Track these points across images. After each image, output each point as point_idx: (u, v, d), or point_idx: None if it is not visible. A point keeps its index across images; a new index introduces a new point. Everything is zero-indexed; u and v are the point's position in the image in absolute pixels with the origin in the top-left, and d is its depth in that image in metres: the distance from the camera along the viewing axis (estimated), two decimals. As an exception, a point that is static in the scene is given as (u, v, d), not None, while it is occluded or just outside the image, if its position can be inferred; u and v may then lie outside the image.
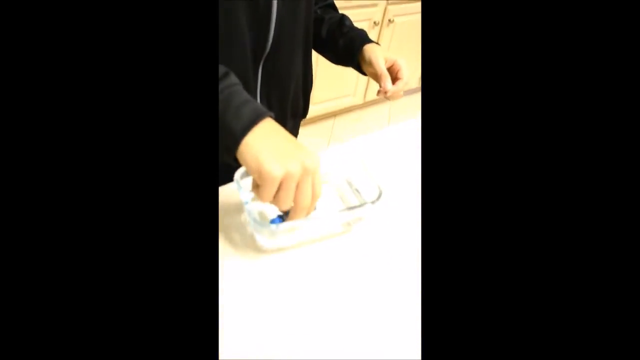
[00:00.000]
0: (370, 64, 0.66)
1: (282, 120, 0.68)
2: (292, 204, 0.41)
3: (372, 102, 2.40)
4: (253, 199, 0.55)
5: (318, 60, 1.83)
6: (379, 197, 0.50)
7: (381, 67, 0.65)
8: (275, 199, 0.40)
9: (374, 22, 1.98)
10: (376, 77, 0.66)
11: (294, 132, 0.80)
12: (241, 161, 0.41)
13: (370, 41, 0.69)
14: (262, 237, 0.49)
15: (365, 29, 1.95)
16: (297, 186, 0.40)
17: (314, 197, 0.42)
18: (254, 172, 0.39)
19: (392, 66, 0.67)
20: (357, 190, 0.57)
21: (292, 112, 0.70)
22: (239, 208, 0.54)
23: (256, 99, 0.61)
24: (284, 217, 0.48)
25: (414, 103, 2.55)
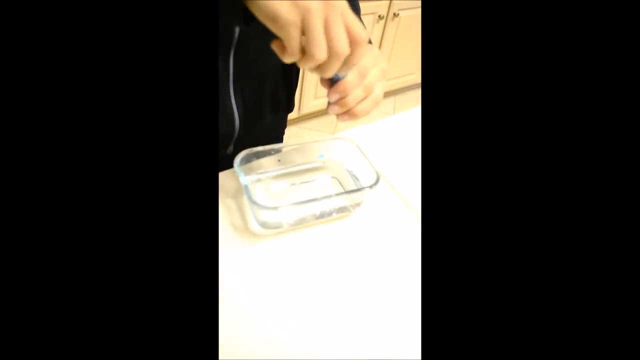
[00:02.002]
0: None
1: (259, 113, 0.66)
2: (327, 53, 0.34)
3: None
4: (253, 183, 0.56)
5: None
6: (377, 182, 0.51)
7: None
8: (306, 49, 0.34)
9: (379, 16, 1.98)
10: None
11: (278, 127, 0.78)
12: (256, 15, 0.34)
13: None
14: (258, 221, 0.50)
15: (370, 23, 1.96)
16: (326, 25, 0.33)
17: (351, 39, 0.34)
18: (269, 20, 0.33)
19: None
20: (355, 176, 0.58)
21: (271, 106, 0.67)
22: (239, 192, 0.55)
23: (229, 91, 0.59)
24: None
25: (419, 98, 2.55)
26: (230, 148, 0.67)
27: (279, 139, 0.80)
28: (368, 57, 0.44)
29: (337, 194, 0.50)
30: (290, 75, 0.69)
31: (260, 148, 0.54)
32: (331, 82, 0.45)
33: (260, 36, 0.57)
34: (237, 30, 0.54)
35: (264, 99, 0.65)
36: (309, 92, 1.96)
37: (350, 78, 0.43)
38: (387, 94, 2.46)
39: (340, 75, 0.43)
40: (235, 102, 0.61)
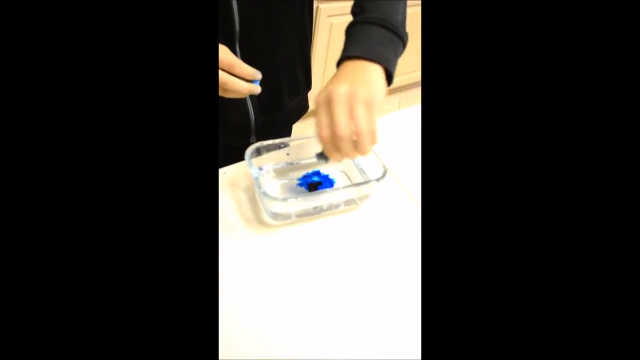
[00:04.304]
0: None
1: (277, 97, 0.67)
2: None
3: (382, 94, 2.40)
4: (263, 175, 0.58)
5: (329, 49, 1.85)
6: (384, 175, 0.53)
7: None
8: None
9: (384, 13, 1.98)
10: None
11: (302, 108, 0.79)
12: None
13: (364, 50, 0.47)
14: (270, 212, 0.51)
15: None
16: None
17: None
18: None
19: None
20: (362, 170, 0.59)
21: (290, 89, 0.68)
22: (249, 184, 0.57)
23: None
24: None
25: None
26: (253, 137, 0.69)
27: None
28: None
29: (344, 187, 0.52)
30: (307, 56, 0.70)
31: (270, 141, 0.56)
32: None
33: (263, 25, 0.59)
34: (237, 23, 0.56)
35: (280, 85, 0.66)
36: (315, 88, 1.97)
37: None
38: (393, 91, 2.46)
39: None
40: None
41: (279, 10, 0.60)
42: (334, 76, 0.46)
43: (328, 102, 0.42)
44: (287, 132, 0.79)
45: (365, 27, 0.49)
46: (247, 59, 0.58)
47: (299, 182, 0.57)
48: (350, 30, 0.51)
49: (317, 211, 0.54)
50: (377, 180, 0.52)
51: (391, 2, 0.52)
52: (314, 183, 0.56)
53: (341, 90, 0.42)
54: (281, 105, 0.69)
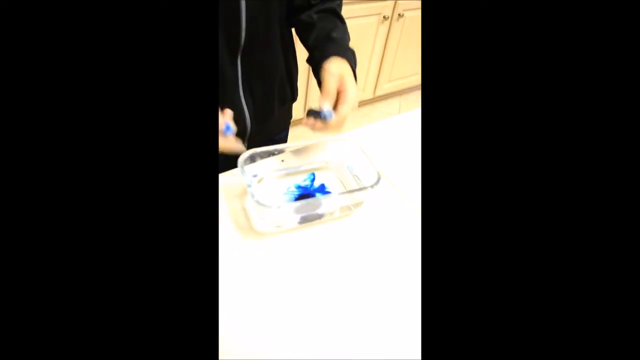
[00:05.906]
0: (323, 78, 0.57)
1: (269, 107, 0.70)
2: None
3: (382, 97, 2.40)
4: (257, 182, 0.57)
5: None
6: (378, 181, 0.52)
7: (329, 85, 0.55)
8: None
9: (384, 17, 1.98)
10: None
11: (287, 117, 0.82)
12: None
13: (345, 55, 0.61)
14: (262, 220, 0.51)
15: (375, 23, 1.96)
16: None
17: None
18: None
19: (340, 92, 0.56)
20: (357, 176, 0.59)
21: (279, 99, 0.72)
22: (243, 191, 0.57)
23: (238, 89, 0.63)
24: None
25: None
26: (245, 144, 0.70)
27: (287, 130, 0.84)
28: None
29: (339, 193, 0.51)
30: (292, 69, 0.73)
31: (264, 148, 0.55)
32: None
33: (265, 45, 0.62)
34: (243, 37, 0.58)
35: (272, 96, 0.69)
36: (315, 93, 1.97)
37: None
38: (393, 95, 2.46)
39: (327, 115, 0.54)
40: (246, 102, 0.65)
41: (274, 24, 0.63)
42: (340, 65, 0.58)
43: (343, 82, 0.55)
44: (273, 141, 0.82)
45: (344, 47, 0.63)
46: (247, 71, 0.62)
47: (292, 190, 0.56)
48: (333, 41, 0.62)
49: (312, 218, 0.53)
50: (371, 187, 0.52)
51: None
52: (308, 195, 0.56)
53: (355, 93, 0.56)
54: (272, 113, 0.72)
